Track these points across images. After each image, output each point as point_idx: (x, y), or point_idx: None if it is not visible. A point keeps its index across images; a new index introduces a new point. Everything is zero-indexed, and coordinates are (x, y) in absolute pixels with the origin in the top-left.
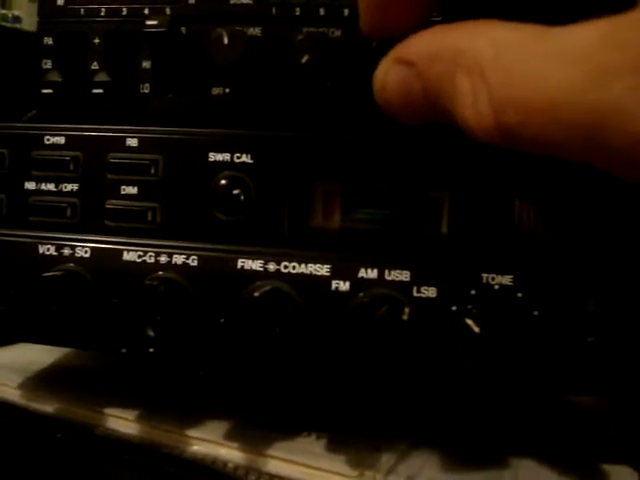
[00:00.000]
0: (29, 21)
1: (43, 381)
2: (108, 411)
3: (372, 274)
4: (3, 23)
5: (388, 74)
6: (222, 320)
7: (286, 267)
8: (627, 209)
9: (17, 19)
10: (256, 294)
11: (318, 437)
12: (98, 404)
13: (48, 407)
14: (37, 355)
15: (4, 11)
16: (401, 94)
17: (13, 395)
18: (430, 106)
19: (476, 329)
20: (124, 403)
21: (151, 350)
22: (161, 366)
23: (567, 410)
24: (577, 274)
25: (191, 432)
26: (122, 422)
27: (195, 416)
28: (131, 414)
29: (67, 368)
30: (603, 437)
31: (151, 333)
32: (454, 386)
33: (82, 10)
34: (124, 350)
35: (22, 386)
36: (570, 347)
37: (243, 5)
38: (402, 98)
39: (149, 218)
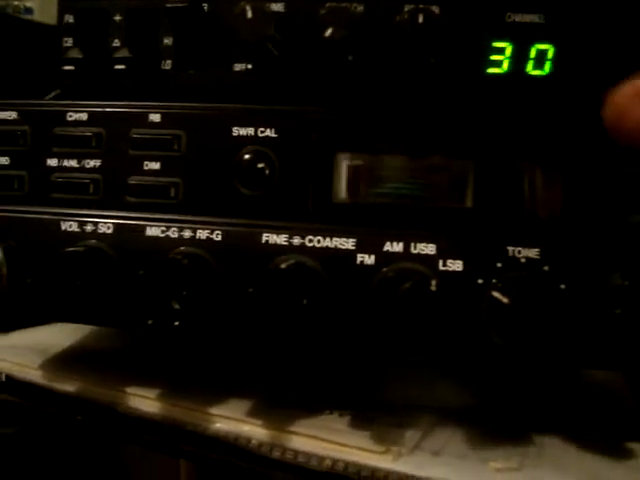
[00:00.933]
0: (41, 12)
1: (64, 362)
2: (130, 390)
3: (397, 248)
4: (17, 14)
5: (635, 105)
6: (250, 290)
7: (311, 241)
8: None
9: (29, 10)
10: (283, 266)
11: (341, 415)
12: (119, 383)
13: (69, 387)
14: (58, 338)
15: (16, 2)
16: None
17: (35, 376)
18: None
19: (505, 300)
20: (145, 382)
21: (176, 323)
22: (185, 340)
23: (591, 389)
24: (603, 246)
25: (213, 410)
26: (144, 401)
27: (217, 394)
28: (153, 393)
29: (88, 350)
30: (628, 415)
31: (177, 306)
32: (479, 361)
33: None
34: (150, 322)
35: (43, 367)
36: (598, 320)
37: None
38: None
39: (172, 194)
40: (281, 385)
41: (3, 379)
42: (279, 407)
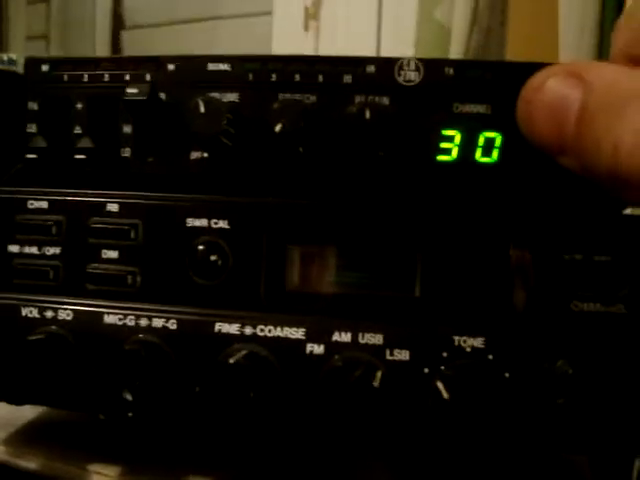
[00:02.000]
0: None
1: (27, 436)
2: (90, 467)
3: (346, 337)
4: None
5: (550, 80)
6: (197, 389)
7: (262, 330)
8: (596, 271)
9: (12, 62)
10: (231, 361)
11: None
12: (81, 460)
13: (31, 463)
14: (21, 411)
15: None
16: (553, 107)
17: None
18: (575, 136)
19: (445, 395)
20: (107, 459)
21: (130, 414)
22: (141, 428)
23: (552, 464)
24: (548, 334)
25: None
26: (104, 479)
27: (178, 473)
28: (113, 470)
29: (51, 423)
30: None
31: (129, 397)
32: (429, 447)
33: (66, 76)
34: (101, 416)
35: (6, 442)
36: (541, 408)
37: (221, 71)
38: (550, 112)
39: (129, 282)
40: (244, 465)
41: None
42: None
